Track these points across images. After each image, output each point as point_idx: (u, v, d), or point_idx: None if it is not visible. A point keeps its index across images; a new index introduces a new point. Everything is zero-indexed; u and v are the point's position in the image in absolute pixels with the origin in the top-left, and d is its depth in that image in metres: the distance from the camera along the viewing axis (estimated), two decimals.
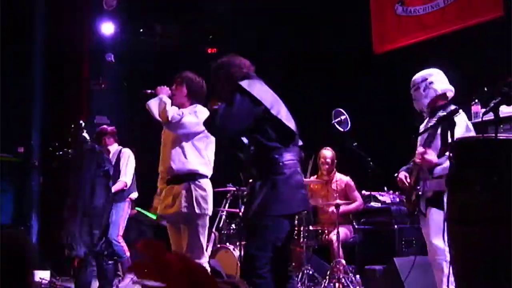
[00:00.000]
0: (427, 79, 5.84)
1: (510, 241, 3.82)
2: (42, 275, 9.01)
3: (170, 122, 5.82)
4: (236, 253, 8.07)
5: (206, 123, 5.13)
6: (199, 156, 5.96)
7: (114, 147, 9.02)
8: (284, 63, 12.34)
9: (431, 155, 5.58)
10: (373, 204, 8.86)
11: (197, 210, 5.84)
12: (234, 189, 8.94)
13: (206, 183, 6.02)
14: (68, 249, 7.94)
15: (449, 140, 4.95)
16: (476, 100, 6.63)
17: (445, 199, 5.40)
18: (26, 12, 11.69)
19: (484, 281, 3.97)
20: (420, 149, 5.66)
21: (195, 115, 5.89)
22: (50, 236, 11.36)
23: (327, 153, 8.84)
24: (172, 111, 5.84)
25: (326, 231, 8.36)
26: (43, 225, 11.48)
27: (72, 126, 8.37)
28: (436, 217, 5.54)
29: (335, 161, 8.87)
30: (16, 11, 11.03)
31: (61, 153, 8.73)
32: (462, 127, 5.51)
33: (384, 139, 9.30)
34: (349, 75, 10.45)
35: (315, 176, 8.86)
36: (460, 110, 5.57)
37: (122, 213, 8.78)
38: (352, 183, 8.79)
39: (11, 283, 2.53)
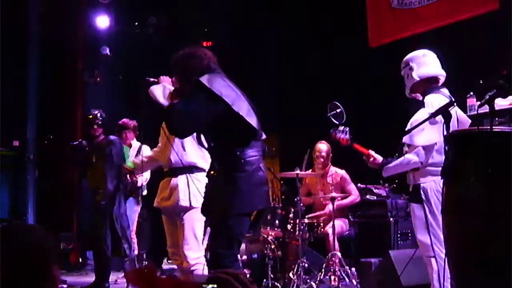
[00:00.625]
0: (409, 64, 5.72)
1: (504, 233, 3.83)
2: None
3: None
4: None
5: (162, 118, 5.07)
6: (197, 148, 5.84)
7: (135, 142, 9.02)
8: (280, 55, 12.34)
9: (374, 156, 5.61)
10: (368, 197, 8.87)
11: (194, 204, 5.81)
12: None
13: (203, 177, 5.96)
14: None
15: (444, 133, 4.94)
16: (472, 93, 6.62)
17: (421, 192, 5.43)
18: (21, 5, 11.66)
19: (479, 272, 3.98)
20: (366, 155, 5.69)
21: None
22: (46, 229, 11.36)
23: (322, 146, 8.83)
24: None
25: (321, 224, 8.36)
26: (39, 219, 11.47)
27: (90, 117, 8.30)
28: (417, 213, 5.51)
29: (331, 154, 8.86)
30: (11, 4, 11.00)
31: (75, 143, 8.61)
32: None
33: (380, 132, 9.31)
34: (345, 68, 10.45)
35: (310, 170, 8.87)
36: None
37: (136, 208, 8.83)
38: (347, 176, 8.79)
39: (33, 277, 2.52)
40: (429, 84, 5.68)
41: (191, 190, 5.83)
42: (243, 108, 4.84)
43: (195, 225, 5.86)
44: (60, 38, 12.01)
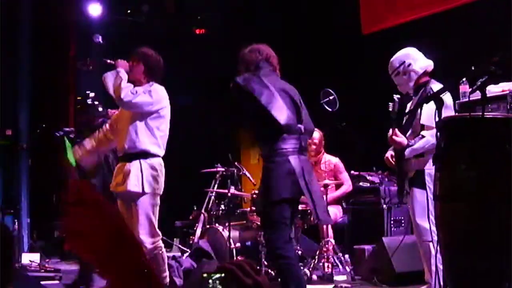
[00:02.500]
0: (404, 61, 5.83)
1: (495, 218, 3.85)
2: (32, 257, 9.01)
3: (122, 100, 5.78)
4: (225, 233, 8.07)
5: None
6: (150, 135, 5.91)
7: None
8: (272, 43, 12.32)
9: (400, 137, 5.63)
10: (362, 184, 8.88)
11: (146, 189, 5.81)
12: (223, 169, 8.93)
13: (157, 162, 5.97)
14: None
15: (437, 119, 4.97)
16: (464, 80, 6.62)
17: (426, 178, 5.50)
18: None
19: (469, 257, 3.99)
20: (389, 132, 5.70)
21: (149, 95, 5.86)
22: (39, 218, 11.37)
23: (315, 134, 8.81)
24: (126, 90, 5.79)
25: None
26: (33, 208, 11.47)
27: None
28: (419, 197, 5.57)
29: (323, 142, 8.87)
30: None
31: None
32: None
33: (372, 119, 9.31)
34: (338, 55, 10.44)
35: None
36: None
37: None
38: (341, 164, 8.79)
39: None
40: (424, 76, 5.86)
41: (144, 175, 5.81)
42: (275, 105, 5.39)
43: (149, 210, 5.83)
44: (52, 26, 11.96)
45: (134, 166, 5.83)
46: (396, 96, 5.89)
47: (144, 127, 5.88)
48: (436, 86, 5.69)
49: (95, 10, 11.88)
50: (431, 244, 5.45)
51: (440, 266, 4.94)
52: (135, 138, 5.86)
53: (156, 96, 5.87)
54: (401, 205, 7.96)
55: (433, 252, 5.39)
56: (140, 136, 5.87)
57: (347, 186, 8.71)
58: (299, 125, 5.56)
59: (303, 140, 5.56)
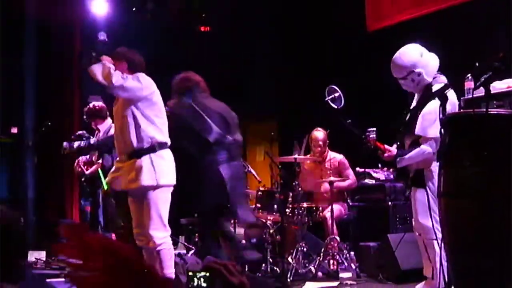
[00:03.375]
0: (413, 70, 5.70)
1: (499, 215, 3.84)
2: (38, 255, 9.01)
3: (114, 85, 5.78)
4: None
5: None
6: (151, 124, 5.92)
7: (104, 125, 9.03)
8: (277, 41, 12.32)
9: (392, 150, 5.63)
10: (367, 181, 8.87)
11: (161, 182, 5.83)
12: None
13: (167, 153, 6.00)
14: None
15: (441, 116, 4.96)
16: (470, 76, 6.61)
17: (426, 177, 5.51)
18: None
19: (473, 255, 3.98)
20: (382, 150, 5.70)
21: (138, 80, 5.88)
22: (45, 216, 11.38)
23: (319, 134, 8.81)
24: (117, 75, 5.79)
25: (320, 208, 8.37)
26: (38, 205, 11.48)
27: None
28: (420, 197, 5.58)
29: (327, 141, 8.86)
30: None
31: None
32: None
33: (378, 116, 9.30)
34: (343, 52, 10.43)
35: (308, 156, 8.88)
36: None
37: None
38: (345, 161, 8.79)
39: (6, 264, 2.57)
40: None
41: (157, 168, 5.83)
42: (203, 125, 6.43)
43: (160, 205, 5.85)
44: (57, 24, 11.96)
45: (145, 161, 5.83)
46: None
47: (142, 117, 5.89)
48: (438, 84, 5.67)
49: (100, 8, 11.87)
50: (434, 242, 5.46)
51: (445, 263, 4.95)
52: (140, 132, 5.86)
53: (144, 81, 5.91)
54: (406, 202, 7.94)
55: (437, 250, 5.41)
56: (143, 126, 5.87)
57: (352, 181, 8.70)
58: (228, 137, 6.44)
59: (232, 149, 6.47)
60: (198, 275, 1.99)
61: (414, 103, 5.88)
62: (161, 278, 1.32)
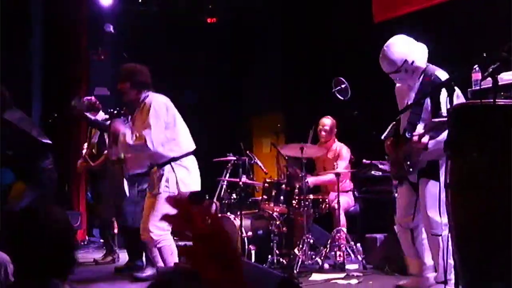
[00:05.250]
0: (406, 60, 5.70)
1: (507, 206, 3.82)
2: None
3: (150, 154, 6.11)
4: (237, 222, 8.07)
5: None
6: (170, 149, 6.14)
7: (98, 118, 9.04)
8: (284, 32, 12.30)
9: (422, 141, 5.53)
10: (373, 172, 8.84)
11: (182, 189, 6.04)
12: (234, 158, 8.93)
13: (191, 160, 6.22)
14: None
15: (448, 106, 4.95)
16: (477, 67, 6.58)
17: (440, 169, 5.47)
18: None
19: (482, 245, 3.97)
20: (414, 138, 5.58)
21: (155, 117, 6.06)
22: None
23: (326, 120, 8.83)
24: (139, 147, 6.03)
25: (326, 200, 8.36)
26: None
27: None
28: (432, 189, 5.53)
29: (335, 130, 8.85)
30: None
31: None
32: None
33: (384, 108, 9.27)
34: (350, 43, 10.40)
35: (316, 145, 8.88)
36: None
37: None
38: (344, 151, 8.74)
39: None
40: None
41: (178, 176, 6.06)
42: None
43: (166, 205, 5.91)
44: (64, 16, 11.96)
45: (166, 169, 6.10)
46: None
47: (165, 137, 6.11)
48: (440, 72, 5.65)
49: (106, 0, 11.88)
50: (440, 238, 5.45)
51: (451, 262, 4.96)
52: (160, 154, 6.12)
53: (160, 111, 6.10)
54: None
55: (441, 245, 5.42)
56: (164, 151, 6.10)
57: (333, 177, 8.50)
58: None
59: None
60: None
61: (410, 96, 5.83)
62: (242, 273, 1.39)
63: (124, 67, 6.37)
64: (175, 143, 6.13)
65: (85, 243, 11.23)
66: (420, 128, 5.62)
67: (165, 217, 1.41)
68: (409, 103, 5.74)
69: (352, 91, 7.56)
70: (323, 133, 8.79)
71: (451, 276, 5.42)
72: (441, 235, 5.45)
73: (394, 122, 6.15)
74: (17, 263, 2.70)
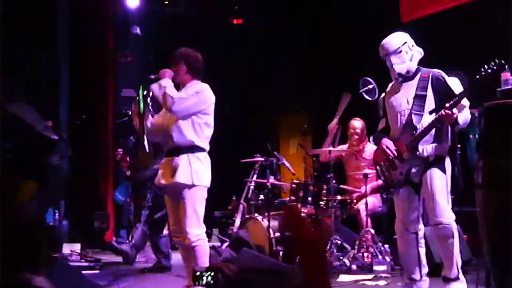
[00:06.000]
0: (406, 42, 5.86)
1: None
2: (73, 247, 9.07)
3: (173, 111, 5.88)
4: (265, 223, 8.07)
5: None
6: (198, 131, 6.01)
7: None
8: (310, 31, 12.27)
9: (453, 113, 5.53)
10: None
11: (196, 181, 5.89)
12: (262, 159, 8.93)
13: (204, 156, 6.07)
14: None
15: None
16: (507, 67, 6.53)
17: (446, 164, 5.52)
18: None
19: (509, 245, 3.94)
20: (446, 111, 5.55)
21: (197, 96, 5.95)
22: (80, 208, 11.46)
23: (357, 123, 8.80)
24: (176, 99, 5.85)
25: (354, 201, 8.34)
26: (74, 198, 11.55)
27: None
28: (439, 178, 5.57)
29: (365, 131, 8.82)
30: None
31: None
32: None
33: None
34: (378, 43, 10.34)
35: (346, 147, 8.85)
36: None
37: None
38: None
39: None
40: None
41: (193, 168, 5.91)
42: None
43: (196, 202, 5.92)
44: (91, 18, 12.02)
45: (182, 160, 5.93)
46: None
47: (191, 123, 5.98)
48: (436, 69, 5.75)
49: (133, 1, 11.93)
50: (453, 225, 5.46)
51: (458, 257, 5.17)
52: (183, 133, 5.96)
53: (203, 97, 5.99)
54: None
55: (455, 233, 5.52)
56: (187, 131, 5.96)
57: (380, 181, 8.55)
58: None
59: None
60: (205, 274, 2.48)
61: (409, 93, 5.83)
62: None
63: (184, 50, 6.22)
64: (201, 132, 6.03)
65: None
66: (426, 118, 5.62)
67: (283, 226, 1.62)
68: (409, 100, 5.75)
69: (379, 91, 7.53)
70: (355, 137, 8.77)
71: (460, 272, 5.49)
72: (449, 224, 5.47)
73: (379, 131, 6.14)
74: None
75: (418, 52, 5.85)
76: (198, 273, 2.49)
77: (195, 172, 5.90)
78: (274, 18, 12.65)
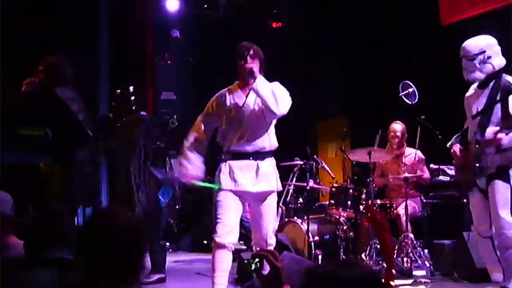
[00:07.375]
0: (485, 51, 5.69)
1: None
2: None
3: (276, 114, 5.63)
4: (304, 226, 8.07)
5: None
6: (274, 133, 5.77)
7: None
8: (350, 36, 12.24)
9: (501, 135, 5.49)
10: (441, 178, 8.73)
11: (279, 187, 5.73)
12: (302, 163, 8.91)
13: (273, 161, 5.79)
14: None
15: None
16: None
17: (510, 172, 5.44)
18: None
19: None
20: (490, 130, 5.53)
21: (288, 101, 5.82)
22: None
23: (397, 127, 8.75)
24: (286, 107, 5.70)
25: (394, 205, 8.30)
26: (112, 201, 11.62)
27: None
28: (502, 190, 5.50)
29: (406, 135, 8.77)
30: None
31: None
32: None
33: (452, 112, 9.17)
34: (417, 46, 10.30)
35: (385, 150, 8.83)
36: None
37: None
38: (422, 156, 8.65)
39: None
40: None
41: (276, 174, 5.68)
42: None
43: (276, 208, 5.78)
44: (130, 22, 12.12)
45: (269, 165, 5.65)
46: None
47: (273, 126, 5.76)
48: (510, 78, 5.62)
49: (172, 5, 12.02)
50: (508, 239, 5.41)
51: None
52: (268, 136, 5.68)
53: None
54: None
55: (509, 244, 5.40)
56: (271, 134, 5.72)
57: (427, 176, 8.55)
58: None
59: None
60: (252, 261, 2.56)
61: (481, 101, 5.77)
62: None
63: (258, 48, 5.95)
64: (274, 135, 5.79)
65: None
66: (490, 131, 5.56)
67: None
68: (479, 109, 5.69)
69: (419, 95, 7.50)
70: (396, 140, 8.70)
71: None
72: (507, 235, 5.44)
73: (462, 130, 6.09)
74: (86, 266, 2.71)
75: (491, 64, 5.69)
76: (245, 261, 2.58)
77: (277, 177, 5.70)
78: (312, 22, 12.63)
